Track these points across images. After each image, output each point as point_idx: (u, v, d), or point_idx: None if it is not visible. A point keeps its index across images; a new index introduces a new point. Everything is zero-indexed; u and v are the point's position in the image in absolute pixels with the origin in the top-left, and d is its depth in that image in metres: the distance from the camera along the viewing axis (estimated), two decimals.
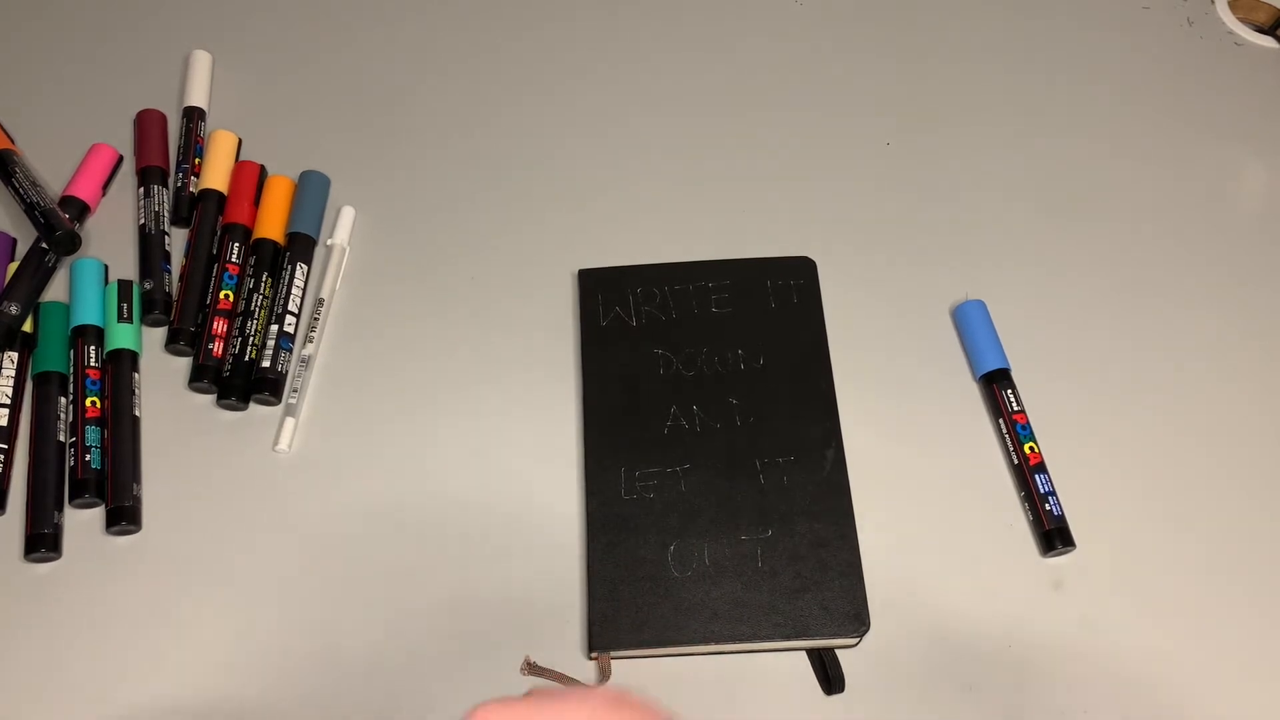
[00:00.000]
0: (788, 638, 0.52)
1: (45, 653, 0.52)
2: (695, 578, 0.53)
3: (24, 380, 0.59)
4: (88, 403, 0.58)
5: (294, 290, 0.62)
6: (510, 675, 0.52)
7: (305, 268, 0.63)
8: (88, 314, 0.60)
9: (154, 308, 0.61)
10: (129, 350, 0.60)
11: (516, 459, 0.58)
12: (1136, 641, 0.54)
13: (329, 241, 0.65)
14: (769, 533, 0.55)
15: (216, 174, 0.66)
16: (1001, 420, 0.59)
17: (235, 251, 0.63)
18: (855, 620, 0.52)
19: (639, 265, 0.63)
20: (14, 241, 0.64)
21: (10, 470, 0.57)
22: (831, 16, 0.75)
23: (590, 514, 0.55)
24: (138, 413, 0.59)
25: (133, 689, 0.52)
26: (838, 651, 0.53)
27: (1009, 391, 0.59)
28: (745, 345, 0.60)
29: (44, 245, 0.62)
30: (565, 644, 0.53)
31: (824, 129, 0.70)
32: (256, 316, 0.61)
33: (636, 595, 0.53)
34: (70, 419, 0.58)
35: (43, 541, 0.54)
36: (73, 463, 0.57)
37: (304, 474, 0.58)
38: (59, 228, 0.61)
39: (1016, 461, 0.58)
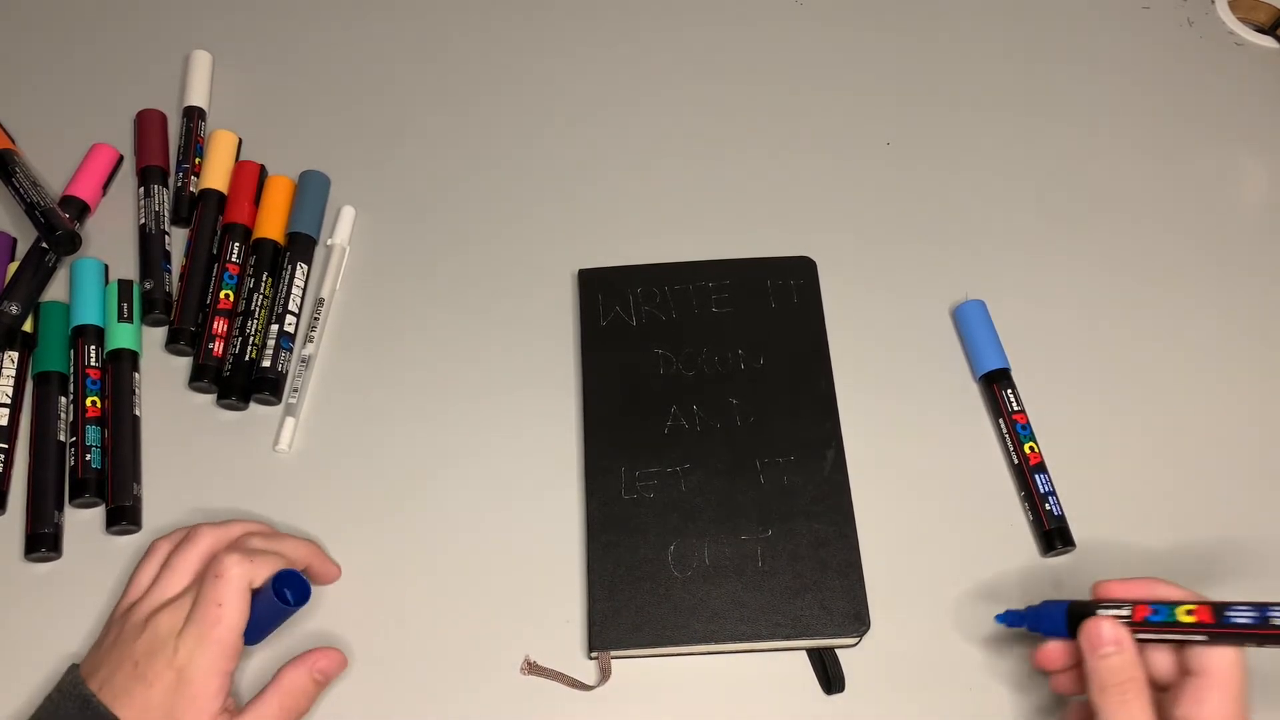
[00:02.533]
0: (788, 638, 0.52)
1: (46, 653, 0.52)
2: (695, 578, 0.53)
3: (24, 380, 0.59)
4: (88, 402, 0.58)
5: (294, 290, 0.62)
6: (510, 675, 0.52)
7: (305, 267, 0.63)
8: (88, 314, 0.60)
9: (154, 307, 0.61)
10: (129, 350, 0.60)
11: (517, 459, 0.58)
12: None
13: (329, 241, 0.65)
14: (769, 533, 0.55)
15: (216, 174, 0.66)
16: (1001, 420, 0.59)
17: (235, 251, 0.63)
18: (855, 620, 0.52)
19: (639, 265, 0.63)
20: (14, 241, 0.64)
21: (10, 470, 0.57)
22: (831, 16, 0.75)
23: (590, 514, 0.55)
24: (138, 413, 0.59)
25: None
26: (838, 651, 0.53)
27: (1009, 391, 0.59)
28: (745, 345, 0.60)
29: (44, 245, 0.62)
30: (565, 644, 0.53)
31: (824, 129, 0.70)
32: (256, 316, 0.61)
33: (636, 595, 0.53)
34: (70, 419, 0.58)
35: (43, 541, 0.54)
36: (73, 462, 0.57)
37: (304, 474, 0.58)
38: (59, 227, 0.61)
39: (1016, 461, 0.58)
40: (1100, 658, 0.44)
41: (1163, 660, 0.45)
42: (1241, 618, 0.42)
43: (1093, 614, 0.45)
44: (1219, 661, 0.42)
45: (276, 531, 0.53)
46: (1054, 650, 0.48)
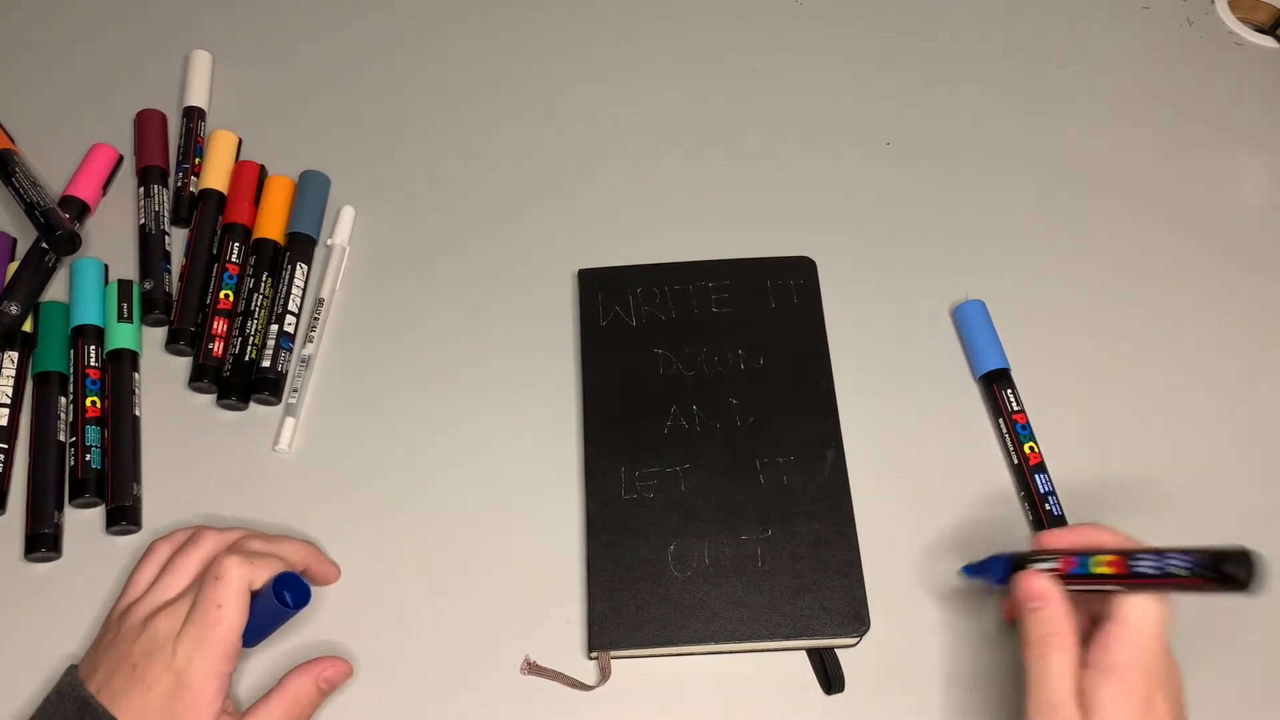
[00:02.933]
0: (788, 638, 0.52)
1: (45, 653, 0.52)
2: (695, 578, 0.53)
3: (24, 380, 0.59)
4: (88, 403, 0.58)
5: (294, 290, 0.62)
6: (510, 675, 0.52)
7: (305, 267, 0.63)
8: (88, 314, 0.60)
9: (154, 308, 0.61)
10: (129, 350, 0.60)
11: (516, 459, 0.58)
12: None
13: (329, 241, 0.65)
14: (769, 533, 0.55)
15: (216, 174, 0.66)
16: (1001, 420, 0.59)
17: (235, 251, 0.63)
18: (855, 620, 0.52)
19: (639, 265, 0.63)
20: (14, 241, 0.64)
21: (10, 470, 0.57)
22: (831, 16, 0.75)
23: (590, 514, 0.55)
24: (138, 413, 0.59)
25: None
26: (838, 651, 0.53)
27: (1009, 391, 0.59)
28: (745, 345, 0.60)
29: (44, 245, 0.62)
30: (565, 644, 0.53)
31: (824, 129, 0.70)
32: (256, 316, 0.61)
33: (636, 595, 0.53)
34: (70, 419, 0.58)
35: (43, 541, 0.54)
36: (73, 463, 0.57)
37: (304, 474, 0.58)
38: (59, 227, 0.61)
39: (1016, 461, 0.58)
40: (1029, 612, 0.45)
41: (1099, 601, 0.46)
42: (1144, 567, 0.42)
43: (1027, 567, 0.47)
44: (1129, 609, 0.43)
45: (275, 536, 0.53)
46: (1008, 603, 0.49)
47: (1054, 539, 0.48)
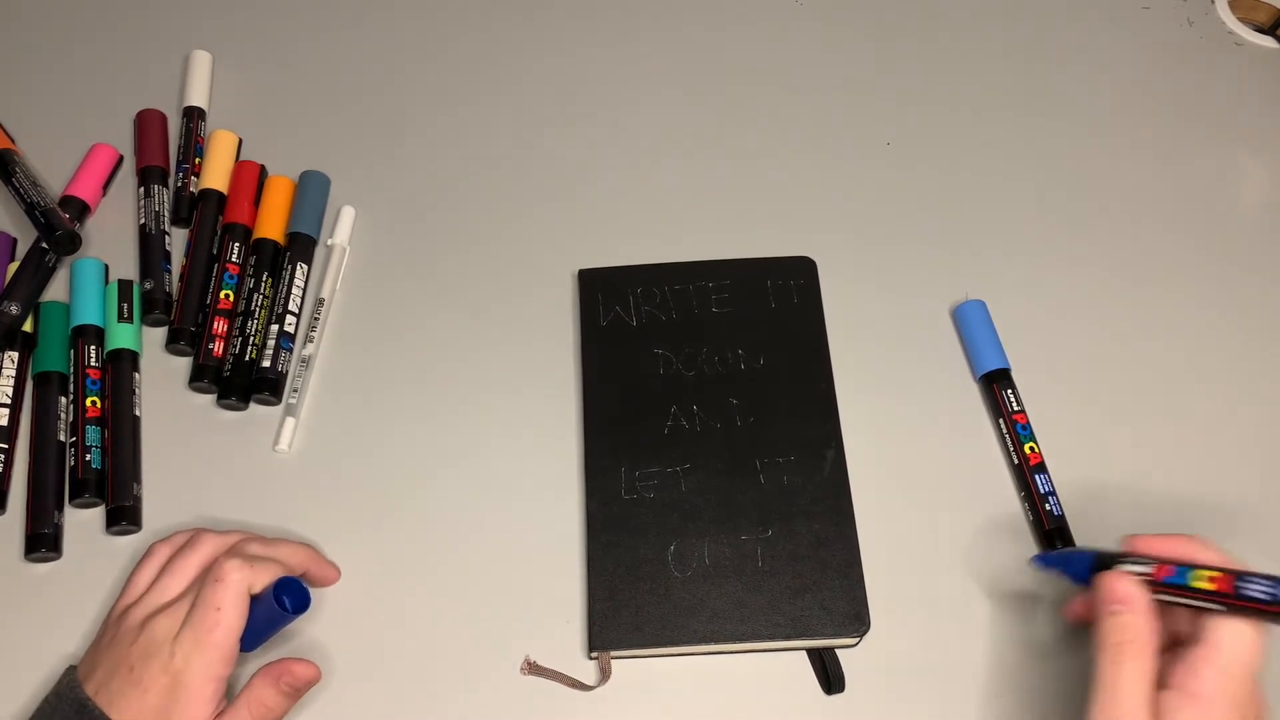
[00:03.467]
0: (788, 638, 0.52)
1: (45, 653, 0.52)
2: (695, 578, 0.53)
3: (24, 380, 0.59)
4: (88, 403, 0.58)
5: (294, 290, 0.62)
6: (510, 675, 0.52)
7: (305, 267, 0.63)
8: (88, 314, 0.60)
9: (154, 307, 0.61)
10: (129, 350, 0.60)
11: (516, 459, 0.58)
12: None
13: (329, 241, 0.65)
14: (769, 533, 0.55)
15: (216, 174, 0.66)
16: (1001, 420, 0.59)
17: (235, 251, 0.63)
18: (855, 620, 0.52)
19: (639, 265, 0.63)
20: (14, 241, 0.64)
21: (10, 470, 0.57)
22: (831, 16, 0.75)
23: (590, 514, 0.55)
24: (138, 413, 0.59)
25: None
26: (838, 651, 0.53)
27: (1009, 391, 0.59)
28: (745, 345, 0.60)
29: (44, 245, 0.62)
30: (565, 644, 0.53)
31: (824, 129, 0.70)
32: (257, 316, 0.61)
33: (636, 595, 0.53)
34: (70, 419, 0.58)
35: (43, 541, 0.54)
36: (73, 463, 0.57)
37: (304, 474, 0.58)
38: (59, 227, 0.61)
39: (1016, 461, 0.58)
40: (1108, 614, 0.43)
41: (1187, 621, 0.43)
42: (1255, 590, 0.39)
43: (1115, 567, 0.44)
44: (1226, 634, 0.40)
45: (274, 539, 0.53)
46: (1081, 602, 0.47)
47: (1149, 544, 0.44)
